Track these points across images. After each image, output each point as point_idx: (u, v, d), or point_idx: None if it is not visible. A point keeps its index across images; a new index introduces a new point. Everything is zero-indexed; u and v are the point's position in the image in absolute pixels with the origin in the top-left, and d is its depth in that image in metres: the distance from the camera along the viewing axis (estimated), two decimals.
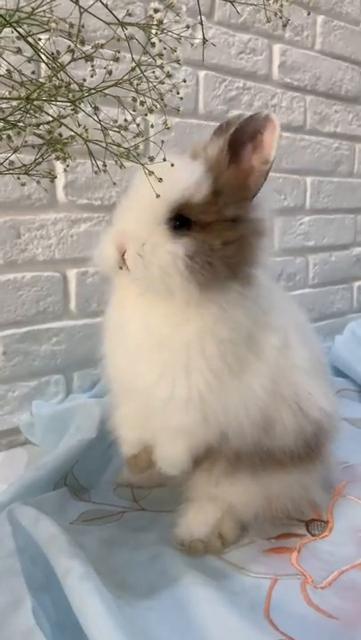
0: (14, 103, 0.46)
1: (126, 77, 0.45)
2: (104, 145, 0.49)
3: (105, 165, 0.51)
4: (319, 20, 1.59)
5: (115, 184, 0.57)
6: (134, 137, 0.51)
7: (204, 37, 0.45)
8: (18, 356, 1.11)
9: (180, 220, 0.66)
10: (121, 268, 0.67)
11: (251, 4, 0.45)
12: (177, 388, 0.68)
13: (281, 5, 0.43)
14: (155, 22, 0.41)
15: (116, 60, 0.44)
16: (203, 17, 1.28)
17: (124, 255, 0.66)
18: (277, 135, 0.66)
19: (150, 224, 0.66)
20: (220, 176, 0.67)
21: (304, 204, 1.64)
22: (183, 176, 0.66)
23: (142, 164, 0.54)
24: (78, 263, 1.17)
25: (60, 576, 0.64)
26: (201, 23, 0.45)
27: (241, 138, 0.67)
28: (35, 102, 0.45)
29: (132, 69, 0.44)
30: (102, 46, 0.44)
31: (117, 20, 0.42)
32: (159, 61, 0.45)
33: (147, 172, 0.55)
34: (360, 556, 0.77)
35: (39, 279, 1.12)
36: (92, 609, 0.58)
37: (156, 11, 0.41)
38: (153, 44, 0.43)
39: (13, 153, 0.48)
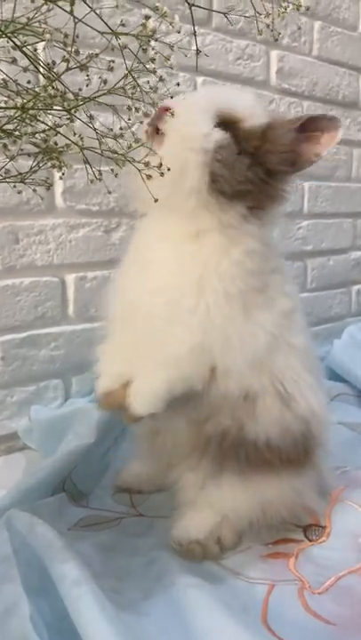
0: (10, 112, 0.46)
1: (120, 85, 0.46)
2: (99, 152, 0.50)
3: (100, 173, 0.51)
4: (316, 26, 1.60)
5: (110, 192, 0.57)
6: (131, 145, 0.51)
7: (197, 48, 0.46)
8: (16, 361, 1.11)
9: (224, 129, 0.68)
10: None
11: (244, 16, 0.45)
12: (186, 296, 0.69)
13: (273, 19, 0.43)
14: (148, 31, 0.42)
15: (110, 69, 0.44)
16: (200, 24, 1.29)
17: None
18: (335, 142, 0.70)
19: (196, 112, 0.68)
20: (278, 130, 0.70)
21: (302, 209, 1.65)
22: (244, 98, 0.72)
23: (139, 170, 0.54)
24: (77, 268, 1.17)
25: (57, 581, 0.64)
26: (194, 33, 0.46)
27: (312, 126, 0.70)
28: (30, 111, 0.45)
29: (125, 77, 0.45)
30: (97, 56, 0.44)
31: (110, 29, 0.42)
32: (152, 68, 0.45)
33: (143, 177, 0.56)
34: (357, 562, 0.77)
35: (37, 284, 1.12)
36: (88, 614, 0.58)
37: (147, 18, 0.41)
38: (145, 50, 0.44)
39: (10, 161, 0.48)
